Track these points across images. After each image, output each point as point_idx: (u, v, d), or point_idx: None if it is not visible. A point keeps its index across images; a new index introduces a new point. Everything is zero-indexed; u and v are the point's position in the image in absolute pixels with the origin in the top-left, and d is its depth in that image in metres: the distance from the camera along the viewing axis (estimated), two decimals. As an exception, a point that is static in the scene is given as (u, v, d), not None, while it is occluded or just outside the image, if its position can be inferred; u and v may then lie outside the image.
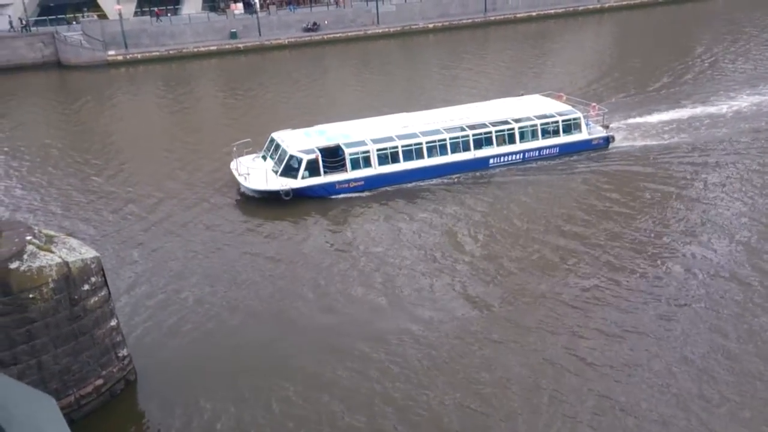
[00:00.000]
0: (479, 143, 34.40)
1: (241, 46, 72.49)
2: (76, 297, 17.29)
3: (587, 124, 37.03)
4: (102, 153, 40.73)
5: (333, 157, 32.06)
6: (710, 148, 35.97)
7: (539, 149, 35.49)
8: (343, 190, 31.86)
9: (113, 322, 18.69)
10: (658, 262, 24.61)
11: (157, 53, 69.92)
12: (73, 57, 68.37)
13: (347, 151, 32.02)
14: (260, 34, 73.98)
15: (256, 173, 31.87)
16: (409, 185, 32.72)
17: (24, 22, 71.09)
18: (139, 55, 69.33)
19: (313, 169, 31.51)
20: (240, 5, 78.02)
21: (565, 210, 29.48)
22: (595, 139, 36.54)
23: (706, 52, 60.34)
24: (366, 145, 32.50)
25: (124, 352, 19.12)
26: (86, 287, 17.54)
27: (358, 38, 75.70)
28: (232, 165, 33.35)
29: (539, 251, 25.83)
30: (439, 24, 79.87)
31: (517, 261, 25.20)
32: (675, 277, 23.47)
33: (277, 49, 72.47)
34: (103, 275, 18.33)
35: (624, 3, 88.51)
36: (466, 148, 34.07)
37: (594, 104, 38.91)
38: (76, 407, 17.76)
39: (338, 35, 75.58)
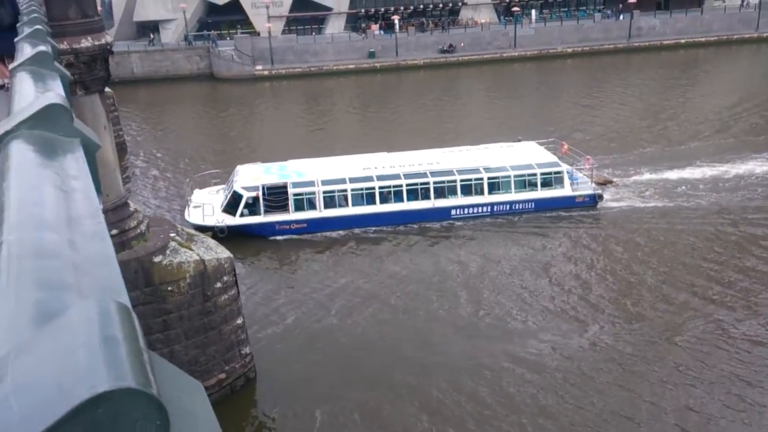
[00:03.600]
0: (441, 192, 31.62)
1: (377, 65, 74.52)
2: (208, 293, 18.54)
3: (574, 179, 33.04)
4: (242, 162, 43.22)
5: (280, 196, 30.78)
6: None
7: (511, 203, 31.92)
8: (284, 231, 30.44)
9: (239, 320, 19.82)
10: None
11: (300, 69, 73.37)
12: (225, 70, 73.22)
13: (291, 191, 30.72)
14: (397, 54, 75.72)
15: (202, 207, 30.94)
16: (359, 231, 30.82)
17: (187, 37, 77.21)
18: (283, 71, 73.07)
19: (254, 207, 30.42)
20: (381, 26, 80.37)
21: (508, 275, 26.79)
22: (580, 196, 32.41)
23: None
24: (313, 186, 31.00)
25: (246, 350, 20.19)
26: (219, 285, 18.75)
27: (494, 61, 75.54)
28: (192, 196, 32.73)
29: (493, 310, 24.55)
30: (579, 48, 77.98)
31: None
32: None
33: (411, 70, 73.87)
34: (235, 275, 19.51)
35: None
36: (426, 197, 31.45)
37: (588, 157, 34.35)
38: (200, 397, 18.96)
39: (473, 57, 75.81)
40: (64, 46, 15.53)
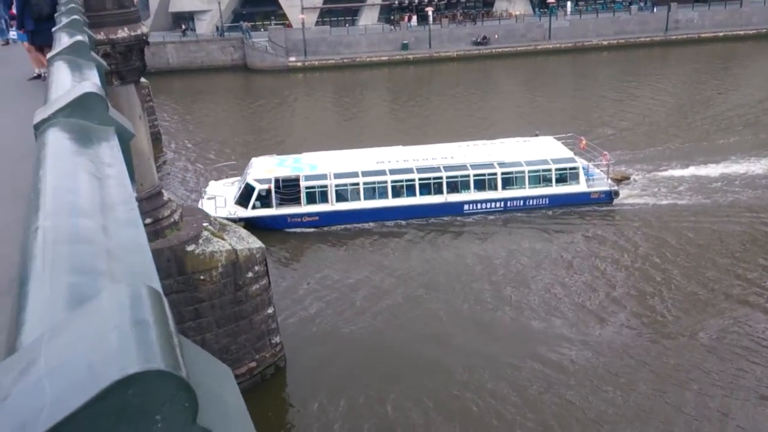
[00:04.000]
0: (454, 186, 31.30)
1: (410, 57, 74.26)
2: (240, 282, 18.74)
3: (590, 175, 32.53)
4: (271, 153, 43.49)
5: (292, 188, 30.80)
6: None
7: (525, 199, 31.49)
8: (296, 224, 30.31)
9: (270, 310, 20.00)
10: None
11: (333, 61, 73.48)
12: (259, 61, 73.66)
13: (303, 184, 30.65)
14: (430, 46, 75.36)
15: (215, 199, 30.61)
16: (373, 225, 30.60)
17: (219, 28, 77.90)
18: (316, 62, 73.27)
19: (265, 199, 30.36)
20: (414, 18, 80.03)
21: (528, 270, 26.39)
22: (595, 192, 31.84)
23: None
24: (325, 179, 30.90)
25: (276, 339, 20.38)
26: (250, 274, 18.94)
27: (528, 53, 74.71)
28: (207, 188, 32.84)
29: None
30: (614, 41, 76.73)
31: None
32: None
33: (444, 62, 73.43)
34: (266, 265, 19.69)
35: (830, 25, 79.80)
36: (438, 191, 31.18)
37: (605, 153, 33.63)
38: (230, 385, 19.19)
39: (507, 49, 75.08)
40: (101, 36, 15.78)
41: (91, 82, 3.65)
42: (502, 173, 31.65)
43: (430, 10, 76.67)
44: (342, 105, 57.95)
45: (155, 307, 1.29)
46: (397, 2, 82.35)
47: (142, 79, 23.08)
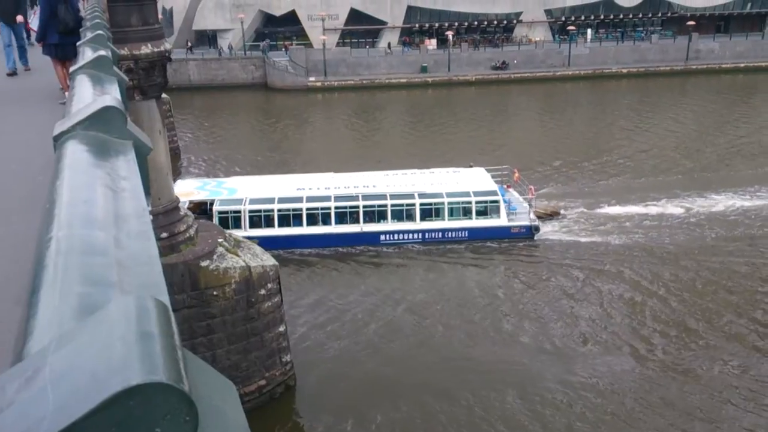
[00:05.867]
0: (371, 216, 30.94)
1: (429, 79, 74.66)
2: (252, 300, 18.75)
3: (512, 209, 31.98)
4: (285, 171, 43.74)
5: (206, 213, 30.38)
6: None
7: (443, 231, 30.95)
8: None
9: (281, 328, 19.97)
10: None
11: (352, 82, 74.02)
12: (279, 80, 74.38)
13: (214, 209, 30.32)
14: (449, 70, 75.72)
15: None
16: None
17: (231, 47, 78.78)
18: (335, 83, 73.86)
19: None
20: (434, 41, 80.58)
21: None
22: (516, 227, 31.21)
23: None
24: (240, 204, 30.54)
25: (287, 357, 20.31)
26: (263, 292, 18.95)
27: (546, 79, 74.83)
28: None
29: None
30: (634, 69, 76.69)
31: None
32: None
33: (463, 85, 73.70)
34: (279, 283, 19.69)
35: None
36: (354, 220, 30.76)
37: (531, 187, 32.78)
38: (238, 402, 19.12)
39: (526, 75, 75.27)
40: (124, 51, 16.03)
41: (112, 96, 3.70)
42: (421, 204, 31.15)
43: (450, 34, 77.19)
44: (359, 126, 58.23)
45: (161, 320, 1.30)
46: (417, 26, 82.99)
47: (164, 95, 23.39)
